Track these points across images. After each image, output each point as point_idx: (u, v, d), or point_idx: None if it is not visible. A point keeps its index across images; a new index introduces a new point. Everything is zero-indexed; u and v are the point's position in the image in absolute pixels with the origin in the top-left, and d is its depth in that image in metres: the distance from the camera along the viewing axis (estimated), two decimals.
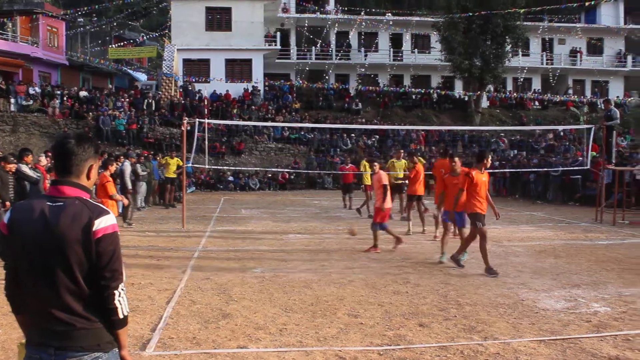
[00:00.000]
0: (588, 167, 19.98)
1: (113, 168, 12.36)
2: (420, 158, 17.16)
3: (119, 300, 2.72)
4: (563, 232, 14.60)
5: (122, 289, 2.75)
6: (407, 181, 16.72)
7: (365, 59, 43.59)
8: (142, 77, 48.60)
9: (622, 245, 12.57)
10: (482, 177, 9.71)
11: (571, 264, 10.24)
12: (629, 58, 46.31)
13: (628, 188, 18.36)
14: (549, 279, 8.87)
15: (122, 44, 45.74)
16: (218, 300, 7.59)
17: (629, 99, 43.78)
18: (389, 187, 11.79)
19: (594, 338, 6.03)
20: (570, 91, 45.24)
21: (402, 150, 19.25)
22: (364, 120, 36.91)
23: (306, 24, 42.48)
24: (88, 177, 2.88)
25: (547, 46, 46.38)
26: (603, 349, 5.69)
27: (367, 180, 18.45)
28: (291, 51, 43.59)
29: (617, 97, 42.07)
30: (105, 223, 2.71)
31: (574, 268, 9.81)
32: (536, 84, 46.21)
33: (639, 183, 17.74)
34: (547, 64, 45.79)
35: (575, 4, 40.59)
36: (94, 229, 2.68)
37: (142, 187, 20.08)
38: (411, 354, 5.55)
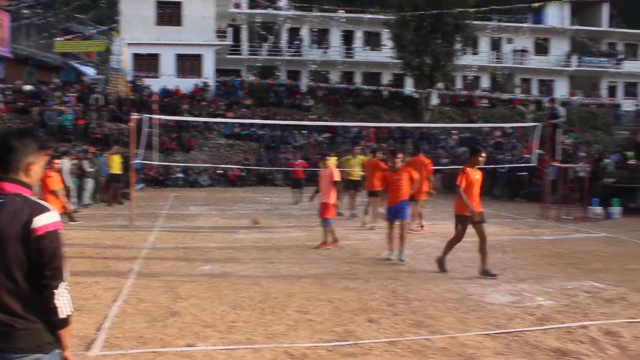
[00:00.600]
0: (534, 164, 20.41)
1: (57, 164, 12.03)
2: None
3: (59, 300, 2.64)
4: (510, 228, 14.86)
5: (64, 288, 2.67)
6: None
7: (331, 56, 43.57)
8: (90, 71, 47.66)
9: (565, 240, 12.88)
10: (475, 175, 9.08)
11: (517, 259, 10.44)
12: (574, 58, 47.46)
13: (572, 185, 18.81)
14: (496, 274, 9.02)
15: (69, 37, 44.73)
16: (166, 298, 7.50)
17: (574, 98, 44.87)
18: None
19: (537, 331, 6.16)
20: (518, 90, 46.12)
21: (357, 148, 19.38)
22: (315, 117, 36.95)
23: (258, 20, 42.26)
24: (29, 174, 2.80)
25: (495, 45, 47.19)
26: (546, 341, 5.82)
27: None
28: (242, 47, 43.31)
29: (563, 95, 43.10)
30: (46, 220, 2.64)
31: (519, 263, 10.01)
32: (485, 82, 46.98)
33: (583, 180, 18.17)
34: (495, 62, 46.61)
35: (523, 5, 41.40)
36: (34, 226, 2.60)
37: (89, 183, 19.71)
38: (360, 350, 5.57)
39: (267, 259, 10.34)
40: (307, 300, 7.39)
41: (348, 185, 16.90)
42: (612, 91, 48.62)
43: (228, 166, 29.99)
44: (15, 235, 2.58)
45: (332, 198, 11.48)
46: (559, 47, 47.51)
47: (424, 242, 12.42)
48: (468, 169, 9.10)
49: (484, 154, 9.43)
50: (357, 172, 16.83)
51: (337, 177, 11.58)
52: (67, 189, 15.84)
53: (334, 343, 5.76)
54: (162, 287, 8.10)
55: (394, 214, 10.41)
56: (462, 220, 9.13)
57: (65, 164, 16.69)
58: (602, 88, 48.57)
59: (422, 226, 14.32)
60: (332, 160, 17.72)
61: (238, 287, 8.11)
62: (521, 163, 22.31)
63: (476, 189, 9.12)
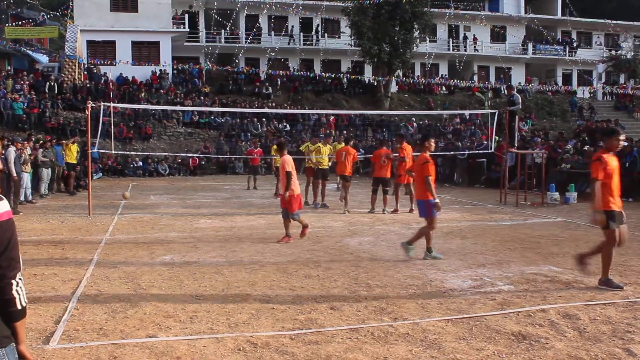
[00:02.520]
0: (492, 150, 20.70)
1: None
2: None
3: (16, 290, 2.55)
4: (469, 214, 15.05)
5: (20, 279, 2.58)
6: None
7: (291, 43, 43.43)
8: (43, 58, 46.53)
9: (524, 225, 13.09)
10: (613, 162, 7.43)
11: (477, 244, 10.56)
12: (530, 46, 48.12)
13: (529, 170, 19.12)
14: (456, 260, 9.12)
15: (20, 22, 43.55)
16: (126, 289, 7.39)
17: (530, 85, 45.54)
18: (293, 173, 10.86)
19: (498, 315, 6.24)
20: (475, 77, 46.60)
21: (330, 136, 19.41)
22: (274, 104, 36.79)
23: (215, 7, 41.74)
24: None
25: (453, 33, 47.55)
26: (506, 325, 5.89)
27: (307, 163, 17.59)
28: (200, 34, 42.82)
29: (519, 83, 43.70)
30: None
31: (479, 248, 10.12)
32: (443, 70, 47.33)
33: (540, 166, 18.50)
34: (453, 50, 46.98)
35: None
36: None
37: (45, 173, 19.32)
38: (322, 337, 5.57)
39: (228, 247, 10.27)
40: (269, 289, 7.36)
41: (317, 174, 16.80)
42: (566, 78, 49.47)
43: (188, 155, 29.74)
44: None
45: (296, 188, 10.93)
46: (515, 35, 48.08)
47: (386, 228, 12.49)
48: (604, 155, 7.42)
49: (622, 136, 7.70)
50: (326, 161, 16.76)
51: (288, 167, 10.78)
52: (12, 178, 15.44)
53: (296, 331, 5.74)
54: (122, 277, 7.98)
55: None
56: (611, 217, 7.30)
57: (11, 152, 16.15)
58: (557, 75, 49.39)
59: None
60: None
61: (199, 276, 8.05)
62: (480, 150, 22.59)
63: (616, 180, 7.44)
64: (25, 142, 18.46)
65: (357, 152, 19.26)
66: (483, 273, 8.25)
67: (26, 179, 17.31)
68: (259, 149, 23.04)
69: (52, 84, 33.36)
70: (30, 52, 45.74)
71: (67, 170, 20.66)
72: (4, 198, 2.60)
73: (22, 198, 16.82)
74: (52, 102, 31.54)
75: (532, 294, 7.12)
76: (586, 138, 23.02)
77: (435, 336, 5.60)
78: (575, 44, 49.59)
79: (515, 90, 19.08)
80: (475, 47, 47.31)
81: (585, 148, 20.63)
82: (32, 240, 11.09)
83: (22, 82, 32.72)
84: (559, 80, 48.84)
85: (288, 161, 10.90)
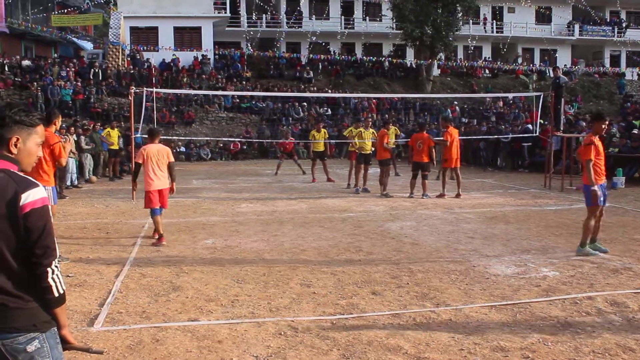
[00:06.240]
0: (537, 134, 20.31)
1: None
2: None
3: (52, 278, 2.55)
4: (513, 199, 14.80)
5: (56, 266, 2.58)
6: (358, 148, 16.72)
7: (331, 27, 43.24)
8: (88, 45, 47.27)
9: (569, 210, 12.81)
10: None
11: (521, 229, 10.38)
12: (576, 27, 46.92)
13: (575, 155, 18.69)
14: (500, 245, 8.98)
15: (65, 11, 44.28)
16: (168, 272, 7.46)
17: (576, 67, 44.47)
18: (151, 167, 9.43)
19: (543, 302, 6.12)
20: (520, 59, 45.73)
21: (370, 119, 19.24)
22: (315, 88, 36.68)
23: None
24: (16, 149, 2.66)
25: (497, 15, 46.66)
26: (552, 312, 5.77)
27: (351, 147, 17.65)
28: (241, 19, 42.89)
29: (565, 65, 42.71)
30: (33, 197, 2.53)
31: (523, 234, 9.94)
32: (486, 52, 46.55)
33: None
34: (497, 32, 46.13)
35: None
36: (20, 203, 2.50)
37: (88, 159, 19.66)
38: (364, 322, 5.54)
39: (270, 232, 10.29)
40: (310, 273, 7.35)
41: (359, 159, 16.66)
42: (614, 60, 48.16)
43: (229, 139, 29.90)
44: (1, 214, 2.49)
45: (152, 184, 9.45)
46: (561, 16, 46.93)
47: (428, 213, 12.36)
48: None
49: None
50: (369, 145, 16.55)
51: (139, 158, 9.45)
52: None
53: (337, 316, 5.72)
54: (165, 261, 8.06)
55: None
56: None
57: None
58: (604, 57, 48.12)
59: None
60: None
61: (241, 260, 8.08)
62: (524, 133, 22.19)
63: None
64: (71, 128, 18.77)
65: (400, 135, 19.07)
66: (527, 259, 8.10)
67: (71, 164, 17.62)
68: (290, 138, 23.13)
69: (97, 70, 33.90)
70: (75, 40, 46.51)
71: (110, 156, 20.94)
72: (39, 184, 2.60)
73: (67, 183, 17.16)
74: (97, 88, 32.06)
75: (578, 280, 6.96)
76: (634, 121, 22.38)
77: (478, 323, 5.51)
78: (624, 24, 48.14)
79: (562, 72, 18.66)
80: (492, 25, 46.13)
81: (635, 131, 20.05)
82: (77, 224, 11.29)
83: (68, 69, 33.31)
84: (607, 62, 47.57)
85: (142, 153, 9.42)
